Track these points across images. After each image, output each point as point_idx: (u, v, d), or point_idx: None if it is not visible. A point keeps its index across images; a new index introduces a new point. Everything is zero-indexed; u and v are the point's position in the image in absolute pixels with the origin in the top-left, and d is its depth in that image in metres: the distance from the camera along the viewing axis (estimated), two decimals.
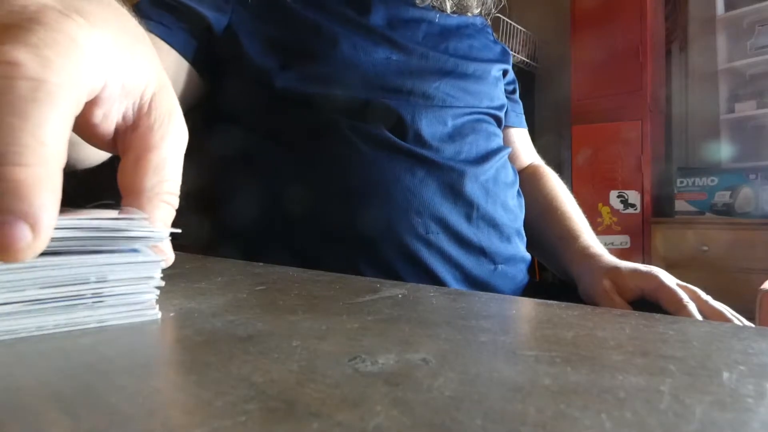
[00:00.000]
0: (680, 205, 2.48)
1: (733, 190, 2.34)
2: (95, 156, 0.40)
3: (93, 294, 0.21)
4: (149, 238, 0.22)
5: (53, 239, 0.19)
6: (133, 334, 0.20)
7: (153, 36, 0.51)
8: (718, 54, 2.53)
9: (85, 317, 0.20)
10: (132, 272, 0.21)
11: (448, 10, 0.65)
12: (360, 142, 0.54)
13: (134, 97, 0.23)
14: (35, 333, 0.19)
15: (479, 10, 0.70)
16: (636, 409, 0.13)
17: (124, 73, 0.22)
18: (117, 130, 0.24)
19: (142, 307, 0.22)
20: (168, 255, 0.24)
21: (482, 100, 0.63)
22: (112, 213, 0.22)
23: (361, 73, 0.56)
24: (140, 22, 0.52)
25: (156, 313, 0.22)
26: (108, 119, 0.23)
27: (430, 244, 0.53)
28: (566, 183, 0.78)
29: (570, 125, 2.70)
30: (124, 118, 0.23)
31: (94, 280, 0.21)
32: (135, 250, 0.22)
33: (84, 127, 0.23)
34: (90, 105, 0.22)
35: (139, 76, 0.23)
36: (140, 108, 0.23)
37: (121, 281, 0.21)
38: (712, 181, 2.41)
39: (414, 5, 0.63)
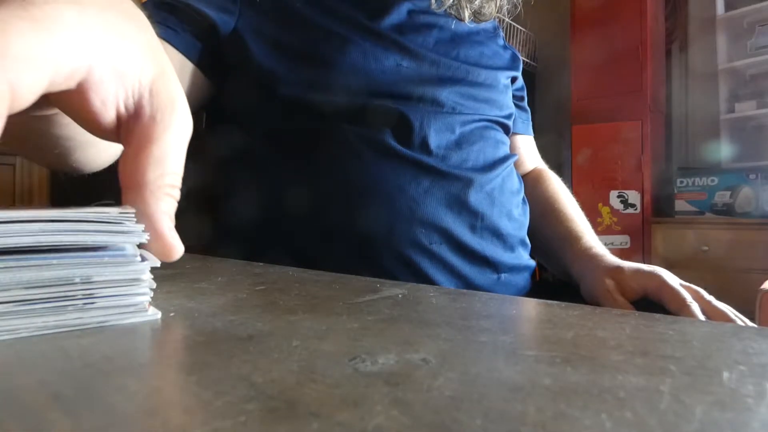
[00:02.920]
0: (680, 205, 2.48)
1: (733, 190, 2.34)
2: (103, 158, 0.40)
3: (83, 295, 0.20)
4: (125, 233, 0.21)
5: (23, 232, 0.19)
6: (133, 334, 0.20)
7: (170, 47, 0.51)
8: (718, 54, 2.53)
9: (76, 319, 0.20)
10: (117, 273, 0.21)
11: (466, 20, 0.64)
12: (365, 148, 0.53)
13: (131, 83, 0.22)
14: (24, 334, 0.19)
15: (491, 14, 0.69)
16: (636, 409, 0.13)
17: (114, 55, 0.21)
18: (119, 119, 0.23)
19: (135, 309, 0.22)
20: (167, 245, 0.23)
21: (491, 108, 0.63)
22: (101, 208, 0.21)
23: (370, 80, 0.55)
24: None
25: (155, 314, 0.22)
26: (107, 106, 0.22)
27: (432, 255, 0.53)
28: (566, 183, 0.78)
29: (570, 125, 2.70)
30: (125, 106, 0.23)
31: (80, 281, 0.20)
32: (121, 250, 0.22)
33: (85, 114, 0.22)
34: (84, 89, 0.21)
35: (132, 60, 0.22)
36: (140, 96, 0.23)
37: (107, 282, 0.21)
38: (712, 181, 2.41)
39: (429, 12, 0.62)
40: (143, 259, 0.22)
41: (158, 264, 0.23)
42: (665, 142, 2.75)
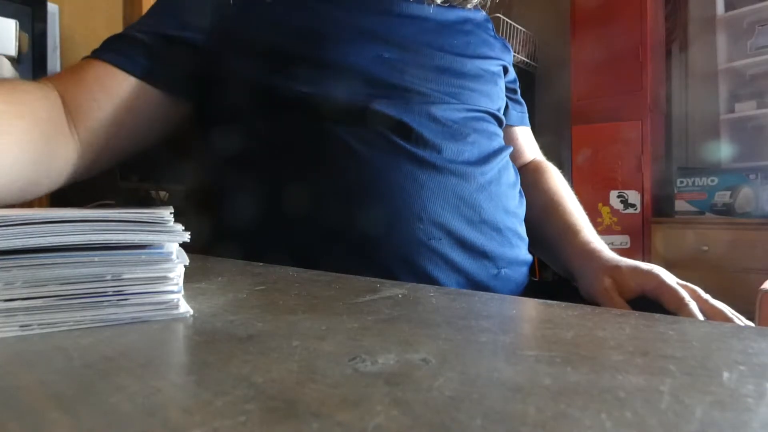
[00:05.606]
0: (680, 205, 2.48)
1: (733, 190, 2.34)
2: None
3: (115, 292, 0.21)
4: (169, 232, 0.22)
5: (79, 231, 0.20)
6: (133, 334, 0.20)
7: (121, 72, 0.53)
8: (718, 54, 2.53)
9: (111, 314, 0.21)
10: (147, 271, 0.22)
11: (438, 0, 0.63)
12: (356, 143, 0.53)
13: None
14: (63, 328, 0.20)
15: (477, 1, 0.68)
16: (636, 409, 0.13)
17: None
18: None
19: (167, 306, 0.22)
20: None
21: (480, 98, 0.62)
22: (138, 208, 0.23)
23: (353, 73, 0.55)
24: (106, 57, 0.54)
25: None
26: None
27: (432, 251, 0.52)
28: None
29: (570, 125, 2.70)
30: None
31: (111, 278, 0.21)
32: (160, 248, 0.22)
33: None
34: None
35: None
36: None
37: (137, 280, 0.22)
38: (712, 181, 2.41)
39: (413, 2, 0.61)
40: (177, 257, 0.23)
41: (187, 262, 0.24)
42: (665, 142, 2.75)
